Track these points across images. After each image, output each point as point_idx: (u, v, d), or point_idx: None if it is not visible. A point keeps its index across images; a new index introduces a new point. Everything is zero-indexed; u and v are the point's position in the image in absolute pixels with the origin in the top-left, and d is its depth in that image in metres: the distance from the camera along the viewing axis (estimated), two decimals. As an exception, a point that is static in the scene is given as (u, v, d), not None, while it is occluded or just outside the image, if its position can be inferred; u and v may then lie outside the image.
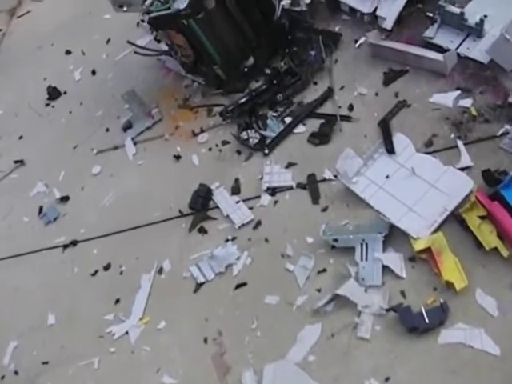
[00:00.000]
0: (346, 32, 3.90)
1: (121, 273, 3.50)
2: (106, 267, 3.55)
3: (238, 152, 3.64)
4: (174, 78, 4.26)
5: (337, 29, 3.95)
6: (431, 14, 3.66)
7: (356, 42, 3.81)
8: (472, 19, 3.42)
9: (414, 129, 3.26)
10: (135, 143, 4.06)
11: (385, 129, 3.30)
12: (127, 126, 4.15)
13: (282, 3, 3.73)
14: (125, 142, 4.08)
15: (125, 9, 3.86)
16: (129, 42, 4.17)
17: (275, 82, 3.70)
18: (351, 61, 3.74)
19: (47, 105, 4.77)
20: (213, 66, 3.84)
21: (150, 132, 4.09)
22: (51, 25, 5.46)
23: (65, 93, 4.79)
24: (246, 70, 3.88)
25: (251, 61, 3.88)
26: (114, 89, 4.50)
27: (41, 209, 4.06)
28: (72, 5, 5.52)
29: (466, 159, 3.02)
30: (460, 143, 3.09)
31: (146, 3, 3.58)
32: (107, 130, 4.27)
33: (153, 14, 3.55)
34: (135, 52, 4.19)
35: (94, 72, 4.77)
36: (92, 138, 4.29)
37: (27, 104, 4.88)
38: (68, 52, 5.10)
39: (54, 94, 4.75)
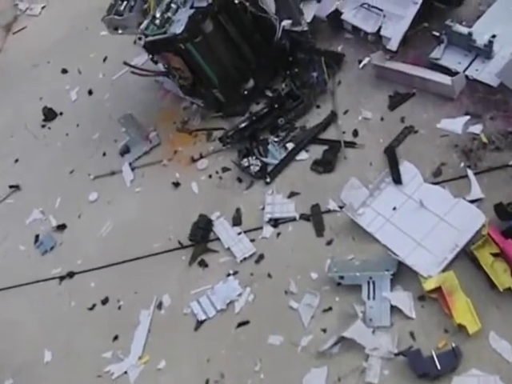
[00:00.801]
0: (349, 52, 3.76)
1: (119, 307, 3.38)
2: (104, 301, 3.43)
3: (239, 180, 3.52)
4: (172, 100, 4.13)
5: (339, 48, 3.81)
6: (437, 34, 3.53)
7: (360, 62, 3.67)
8: (480, 40, 3.28)
9: (421, 157, 3.12)
10: (133, 169, 3.94)
11: (391, 157, 3.17)
12: (124, 151, 4.03)
13: (283, 24, 3.60)
14: (122, 167, 3.96)
15: (120, 31, 3.74)
16: (125, 63, 4.04)
17: (276, 105, 3.56)
18: (355, 82, 3.60)
19: (43, 126, 4.66)
20: (212, 89, 3.71)
21: (147, 157, 3.97)
22: (47, 41, 5.34)
23: (61, 114, 4.67)
24: (246, 92, 3.75)
25: (251, 83, 3.75)
26: (111, 110, 4.38)
27: (37, 237, 3.95)
28: (69, 19, 5.40)
29: (476, 191, 2.89)
30: (470, 173, 2.95)
31: (142, 26, 3.45)
32: (104, 154, 4.15)
33: (148, 39, 3.41)
34: (132, 72, 4.06)
35: (90, 92, 4.65)
36: (89, 163, 4.17)
37: (23, 125, 4.77)
38: (64, 71, 4.98)
39: (49, 115, 4.63)
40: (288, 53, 3.69)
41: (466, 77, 3.29)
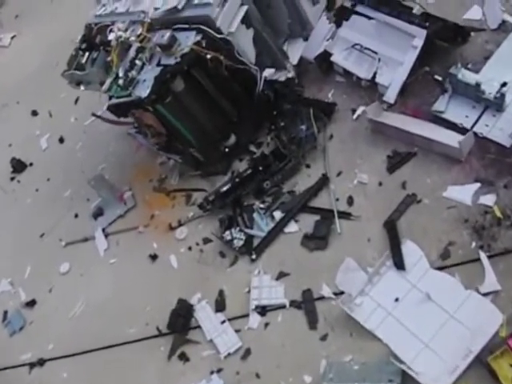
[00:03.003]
0: (341, 99, 3.35)
1: (93, 406, 3.03)
2: (77, 398, 3.08)
3: (222, 254, 3.14)
4: (147, 153, 3.73)
5: (330, 94, 3.39)
6: (440, 78, 3.10)
7: (353, 112, 3.26)
8: (490, 89, 2.86)
9: (426, 233, 2.73)
10: (106, 235, 3.57)
11: (392, 234, 2.77)
12: (97, 213, 3.66)
13: (265, 74, 3.17)
14: (95, 233, 3.57)
15: (82, 88, 3.33)
16: (93, 115, 3.62)
17: (261, 168, 3.16)
18: (349, 137, 3.19)
19: (12, 179, 4.31)
20: (188, 148, 3.30)
21: (122, 221, 3.59)
22: (17, 77, 4.96)
23: (31, 164, 4.31)
24: (226, 150, 3.34)
25: (232, 139, 3.35)
26: (83, 162, 4.01)
27: (5, 314, 3.61)
28: (39, 53, 5.02)
29: (491, 280, 2.49)
30: (483, 256, 2.56)
31: (104, 87, 3.04)
32: (76, 215, 3.78)
33: (112, 101, 3.00)
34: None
35: (61, 140, 4.27)
36: (60, 225, 3.81)
37: (-9, 177, 4.39)
38: (34, 113, 4.60)
39: (18, 166, 4.26)
40: (272, 104, 3.26)
41: (475, 134, 2.87)
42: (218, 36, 2.89)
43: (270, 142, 3.36)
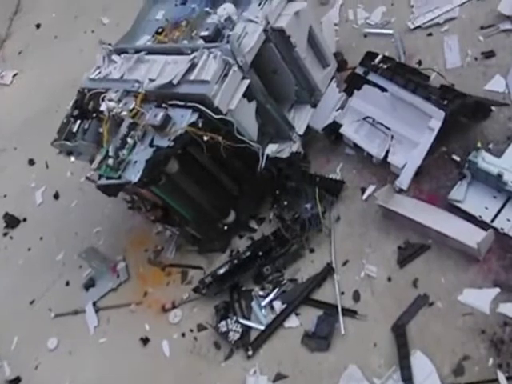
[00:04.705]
0: (351, 174, 3.11)
1: None
2: None
3: (216, 345, 2.91)
4: (144, 219, 3.50)
5: (338, 168, 3.15)
6: (458, 158, 2.86)
7: (363, 191, 3.01)
8: (513, 178, 2.59)
9: (438, 343, 2.48)
10: (97, 310, 3.35)
11: (400, 341, 2.52)
12: (89, 285, 3.45)
13: (267, 152, 2.93)
14: (86, 307, 3.36)
15: (72, 159, 3.13)
16: (87, 178, 3.39)
17: (261, 253, 2.92)
18: (357, 220, 2.95)
19: (5, 234, 4.11)
20: (185, 225, 3.08)
21: (115, 294, 3.38)
22: (17, 121, 4.80)
23: (24, 220, 4.12)
24: (225, 227, 3.10)
25: (232, 216, 3.12)
26: (77, 224, 3.81)
27: (-12, 390, 3.40)
28: (40, 94, 4.85)
29: (510, 409, 2.23)
30: (502, 377, 2.30)
31: (93, 165, 2.82)
32: (67, 283, 3.59)
33: (101, 182, 2.78)
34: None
35: (56, 196, 4.07)
36: (51, 292, 3.62)
37: (-17, 231, 4.21)
38: (31, 162, 4.41)
39: (12, 222, 4.07)
40: (275, 182, 3.03)
41: (495, 229, 2.61)
42: (216, 117, 2.66)
43: (273, 217, 3.12)
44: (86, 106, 3.09)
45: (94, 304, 3.37)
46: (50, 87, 4.78)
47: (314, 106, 3.25)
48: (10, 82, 5.19)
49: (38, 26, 5.53)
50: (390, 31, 3.52)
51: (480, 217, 2.66)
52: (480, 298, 2.51)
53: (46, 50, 5.18)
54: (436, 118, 2.74)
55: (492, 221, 2.64)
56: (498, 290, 2.49)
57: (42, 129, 4.47)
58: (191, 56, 2.76)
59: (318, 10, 3.93)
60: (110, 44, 3.24)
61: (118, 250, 3.52)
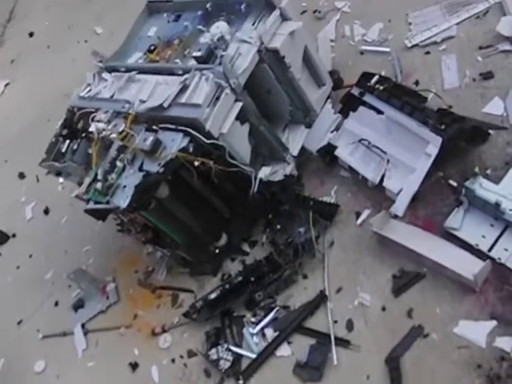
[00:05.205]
0: (345, 197, 3.05)
1: None
2: None
3: (207, 372, 2.85)
4: (134, 239, 3.42)
5: (333, 191, 3.09)
6: (455, 184, 2.80)
7: (358, 215, 2.95)
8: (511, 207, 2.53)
9: (433, 377, 2.42)
10: (86, 332, 3.28)
11: (394, 375, 2.46)
12: (78, 305, 3.38)
13: (260, 176, 2.87)
14: (74, 329, 3.30)
15: (61, 180, 3.06)
16: (77, 197, 3.32)
17: (253, 279, 2.86)
18: (351, 246, 2.89)
19: (-6, 250, 4.01)
20: (175, 249, 3.01)
21: (104, 317, 3.32)
22: (8, 132, 4.73)
23: (13, 236, 4.05)
24: (217, 250, 3.04)
25: (224, 240, 3.06)
26: (67, 241, 3.75)
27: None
28: (32, 104, 4.80)
29: None
30: (498, 415, 2.23)
31: (81, 189, 2.76)
32: (56, 303, 3.52)
33: (89, 206, 2.72)
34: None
35: (46, 211, 4.01)
36: (39, 313, 3.55)
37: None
38: (21, 175, 4.35)
39: (0, 238, 3.99)
40: (268, 205, 2.96)
41: (492, 259, 2.55)
42: (207, 141, 2.59)
43: (265, 241, 3.06)
44: (75, 125, 3.03)
45: (83, 326, 3.30)
46: (42, 98, 4.72)
47: (309, 126, 3.19)
48: (1, 92, 5.11)
49: (31, 35, 5.46)
50: (387, 49, 3.45)
51: (477, 245, 2.60)
52: (476, 330, 2.45)
53: (38, 60, 5.12)
54: (433, 144, 2.68)
55: (489, 250, 2.58)
56: (494, 322, 2.43)
57: (33, 141, 4.40)
58: (183, 78, 2.70)
59: (313, 24, 3.88)
60: (101, 61, 3.17)
61: (108, 270, 3.45)
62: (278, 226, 2.97)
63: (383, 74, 3.32)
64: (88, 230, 3.68)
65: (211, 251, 3.04)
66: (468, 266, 2.50)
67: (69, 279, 3.32)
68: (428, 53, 3.34)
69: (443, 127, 2.70)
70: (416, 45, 3.40)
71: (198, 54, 2.79)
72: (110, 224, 3.48)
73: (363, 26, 3.68)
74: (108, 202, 2.65)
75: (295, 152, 3.11)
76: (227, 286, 2.94)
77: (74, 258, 3.61)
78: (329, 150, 3.07)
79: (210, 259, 3.07)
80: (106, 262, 3.49)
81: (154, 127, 2.69)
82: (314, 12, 3.92)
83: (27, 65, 5.21)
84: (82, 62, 4.65)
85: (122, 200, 2.60)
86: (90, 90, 3.12)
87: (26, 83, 5.06)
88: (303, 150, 3.17)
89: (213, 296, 2.93)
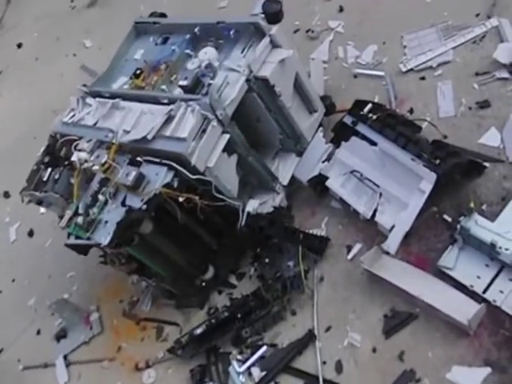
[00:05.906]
0: (336, 230, 2.95)
1: None
2: None
3: (192, 413, 2.74)
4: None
5: (323, 223, 3.00)
6: (449, 219, 2.71)
7: (348, 249, 2.86)
8: (507, 244, 2.45)
9: (425, 426, 2.31)
10: (68, 364, 3.18)
11: (384, 424, 2.36)
12: (61, 336, 3.28)
13: (248, 209, 2.77)
14: (56, 360, 3.19)
15: (42, 210, 2.96)
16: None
17: (240, 315, 2.76)
18: (342, 282, 2.80)
19: (-23, 274, 3.90)
20: (160, 282, 2.91)
21: (86, 348, 3.22)
22: (-6, 148, 4.59)
23: (-4, 259, 3.92)
24: (203, 284, 2.95)
25: (211, 273, 2.97)
26: (51, 266, 3.64)
27: None
28: (18, 121, 4.67)
29: None
30: None
31: (62, 222, 2.66)
32: (38, 332, 3.43)
33: (70, 241, 2.62)
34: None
35: (31, 233, 3.91)
36: (21, 341, 3.44)
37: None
38: (6, 194, 4.24)
39: (-16, 260, 3.88)
40: (256, 238, 2.87)
41: (487, 301, 2.46)
42: (193, 177, 2.49)
43: (253, 274, 2.97)
44: (57, 152, 2.93)
45: (65, 357, 3.19)
46: (28, 114, 4.62)
47: (300, 154, 3.09)
48: (-13, 107, 5.01)
49: (19, 46, 5.35)
50: (382, 73, 3.36)
51: (471, 286, 2.52)
52: (470, 377, 2.36)
53: (26, 73, 5.01)
54: (427, 180, 2.59)
55: (484, 292, 2.49)
56: (489, 369, 2.35)
57: (18, 159, 4.30)
58: (168, 108, 2.59)
59: (306, 44, 3.78)
60: (85, 85, 3.07)
61: (92, 299, 3.35)
62: (267, 260, 2.88)
63: (377, 99, 3.24)
64: (72, 254, 3.48)
65: (197, 284, 2.95)
66: (462, 309, 2.41)
67: (51, 309, 3.21)
68: (423, 78, 3.25)
69: (438, 162, 2.61)
70: (411, 69, 3.31)
71: (185, 82, 2.69)
72: (95, 251, 3.39)
73: (357, 47, 3.59)
74: (89, 238, 2.54)
75: (285, 181, 3.02)
76: (213, 322, 2.84)
77: (58, 284, 3.51)
78: (320, 181, 2.98)
79: (196, 292, 2.97)
80: (90, 290, 3.38)
81: (138, 159, 2.59)
82: (307, 31, 3.82)
83: (14, 77, 5.11)
84: (70, 76, 4.55)
85: (103, 237, 2.50)
86: (73, 116, 3.01)
87: (12, 98, 4.95)
88: (293, 179, 3.07)
89: (198, 331, 2.84)
